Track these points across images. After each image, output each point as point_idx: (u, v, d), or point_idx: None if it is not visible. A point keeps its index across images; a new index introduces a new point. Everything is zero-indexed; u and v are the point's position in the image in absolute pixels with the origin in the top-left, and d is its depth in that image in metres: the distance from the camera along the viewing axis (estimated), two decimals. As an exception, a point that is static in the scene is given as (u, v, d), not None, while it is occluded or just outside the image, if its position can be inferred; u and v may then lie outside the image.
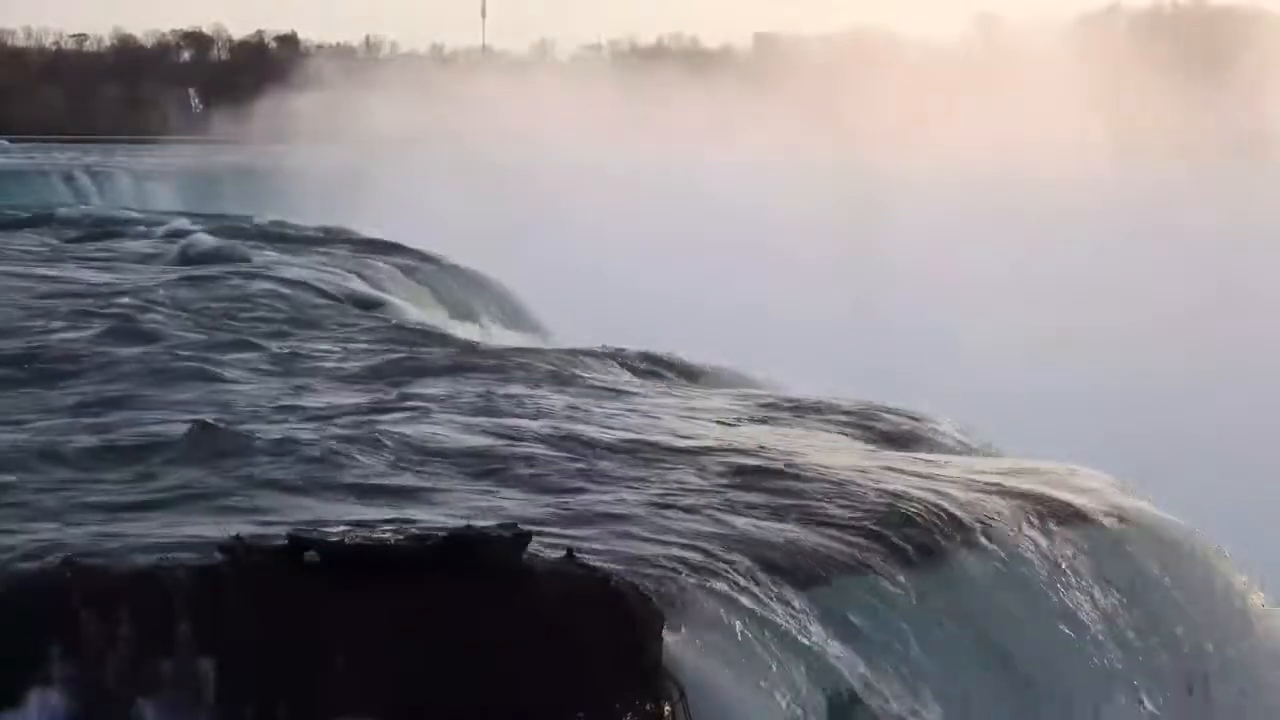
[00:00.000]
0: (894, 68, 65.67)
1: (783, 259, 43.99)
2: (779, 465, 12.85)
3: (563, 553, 9.43)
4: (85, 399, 14.64)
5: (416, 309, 24.91)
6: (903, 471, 12.88)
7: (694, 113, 62.93)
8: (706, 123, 61.48)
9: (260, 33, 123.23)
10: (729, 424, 14.77)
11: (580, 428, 13.94)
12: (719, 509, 11.44)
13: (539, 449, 13.01)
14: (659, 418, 14.76)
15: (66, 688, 8.48)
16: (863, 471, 12.77)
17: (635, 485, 12.06)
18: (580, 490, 11.84)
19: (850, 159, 54.88)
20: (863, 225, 48.17)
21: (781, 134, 58.41)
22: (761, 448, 13.54)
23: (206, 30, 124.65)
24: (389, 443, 12.86)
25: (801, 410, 15.69)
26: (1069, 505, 12.47)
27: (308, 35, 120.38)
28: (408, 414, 14.13)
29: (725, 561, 10.36)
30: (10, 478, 11.59)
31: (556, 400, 15.22)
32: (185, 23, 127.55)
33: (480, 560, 9.09)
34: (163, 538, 9.97)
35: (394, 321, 21.62)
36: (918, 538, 11.33)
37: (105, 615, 8.68)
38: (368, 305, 23.17)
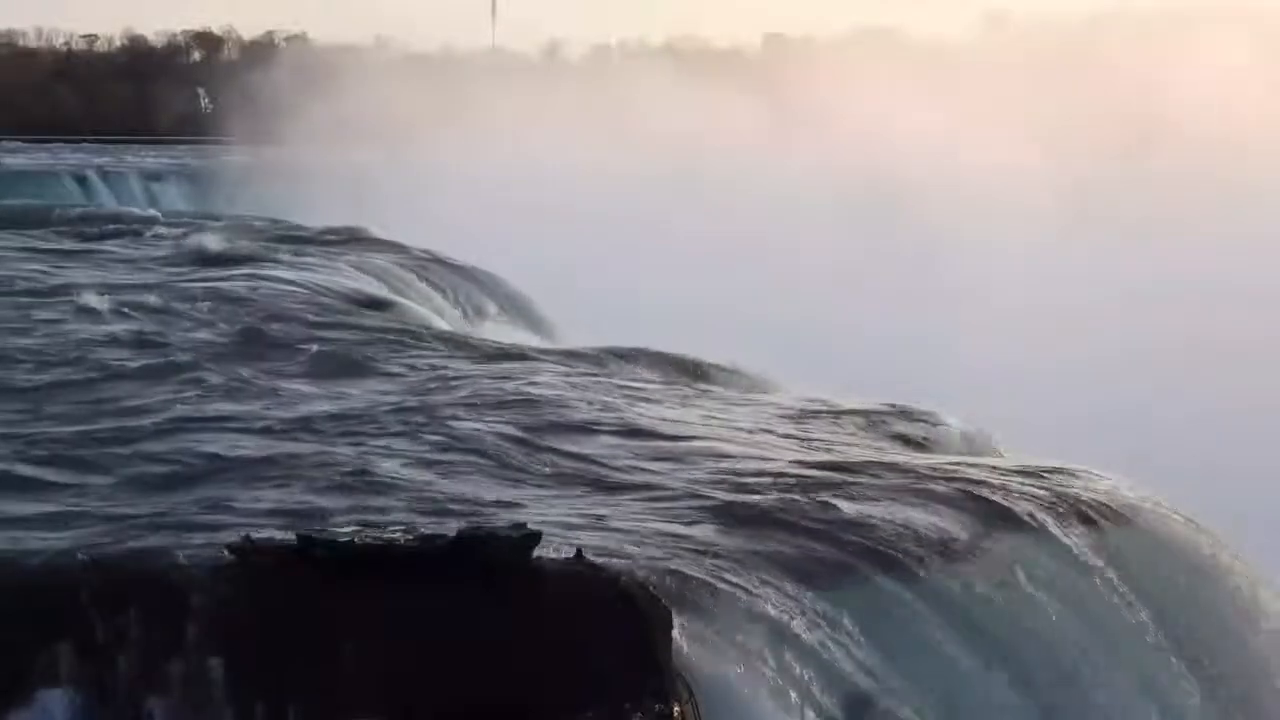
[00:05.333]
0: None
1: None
2: (789, 466, 12.86)
3: (572, 553, 9.44)
4: (95, 400, 14.65)
5: (426, 310, 24.90)
6: (914, 471, 12.87)
7: None
8: None
9: (270, 33, 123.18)
10: (738, 424, 14.77)
11: (589, 428, 13.95)
12: (729, 510, 11.44)
13: (547, 448, 13.02)
14: (667, 418, 14.76)
15: (77, 686, 8.50)
16: (874, 472, 12.76)
17: (645, 485, 12.07)
18: (589, 490, 11.86)
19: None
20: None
21: None
22: (772, 448, 13.55)
23: (216, 31, 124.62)
24: (397, 443, 12.88)
25: (811, 410, 15.69)
26: (1082, 505, 12.47)
27: (317, 35, 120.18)
28: (416, 414, 14.14)
29: (735, 562, 10.36)
30: (21, 478, 11.62)
31: (565, 400, 15.23)
32: (195, 23, 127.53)
33: (489, 560, 9.09)
34: (172, 538, 9.99)
35: (403, 322, 21.62)
36: (931, 540, 11.33)
37: (115, 615, 8.71)
38: (378, 306, 23.16)
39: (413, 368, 17.03)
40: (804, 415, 15.40)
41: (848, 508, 11.64)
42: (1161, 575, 12.16)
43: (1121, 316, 38.17)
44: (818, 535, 11.03)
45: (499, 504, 11.30)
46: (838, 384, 17.30)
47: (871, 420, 15.19)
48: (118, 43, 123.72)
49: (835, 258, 43.65)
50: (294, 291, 23.26)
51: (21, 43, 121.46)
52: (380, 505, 11.05)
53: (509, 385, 15.83)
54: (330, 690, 8.63)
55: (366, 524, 9.96)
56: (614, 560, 9.73)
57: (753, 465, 12.88)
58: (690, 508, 11.45)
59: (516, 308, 28.57)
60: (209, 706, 8.54)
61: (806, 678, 9.57)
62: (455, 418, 13.97)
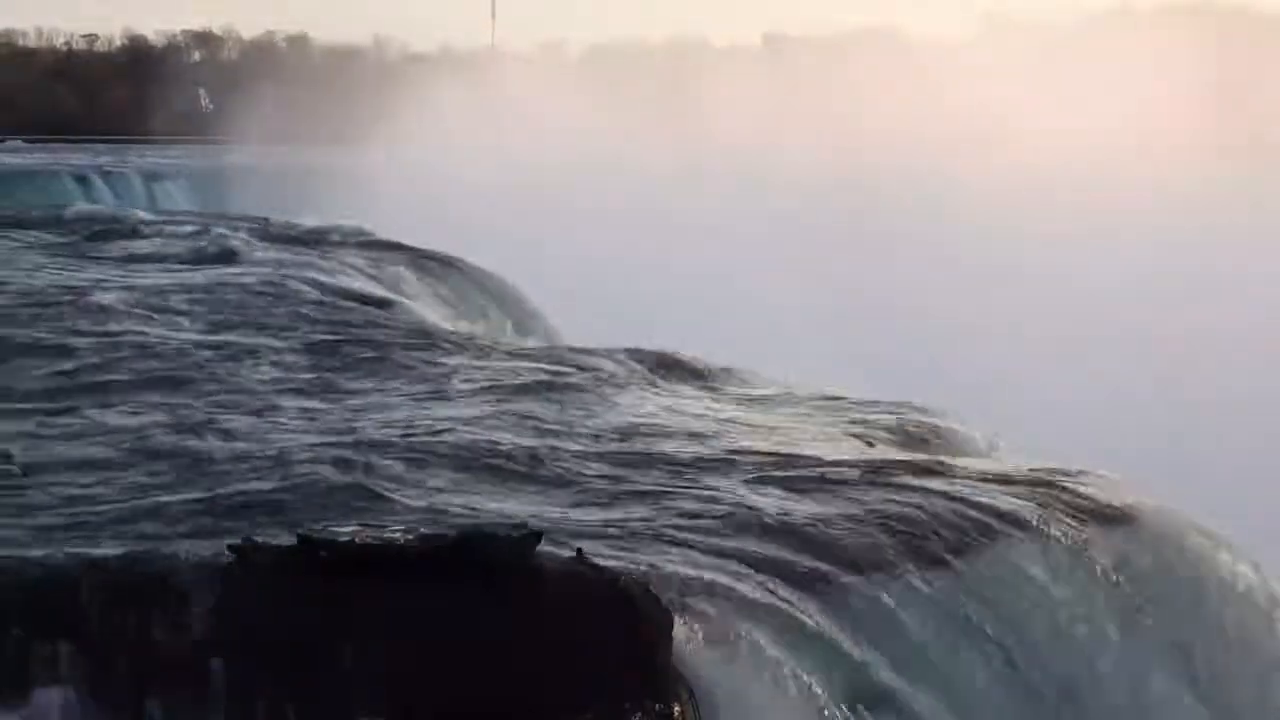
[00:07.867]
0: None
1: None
2: (791, 466, 12.85)
3: (572, 553, 9.44)
4: (97, 399, 14.65)
5: (426, 309, 24.90)
6: (918, 472, 12.85)
7: None
8: None
9: (270, 33, 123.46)
10: (741, 424, 14.76)
11: (590, 428, 13.95)
12: (729, 509, 11.44)
13: (548, 449, 13.01)
14: (669, 418, 14.76)
15: (76, 685, 8.49)
16: (877, 472, 12.75)
17: (644, 486, 12.06)
18: (589, 490, 11.85)
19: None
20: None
21: None
22: (774, 448, 13.53)
23: (216, 31, 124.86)
24: (398, 443, 12.87)
25: (814, 410, 15.68)
26: (1086, 505, 12.45)
27: (317, 35, 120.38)
28: (415, 414, 14.14)
29: (736, 561, 10.36)
30: (22, 477, 11.61)
31: (566, 401, 15.23)
32: (195, 23, 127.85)
33: (490, 560, 9.09)
34: (173, 537, 9.99)
35: (403, 321, 21.62)
36: (932, 538, 11.32)
37: (115, 614, 8.70)
38: (377, 305, 23.15)
39: (412, 366, 17.02)
40: (810, 415, 15.40)
41: (851, 508, 11.63)
42: (1167, 578, 12.14)
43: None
44: (820, 535, 11.03)
45: (499, 504, 11.30)
46: (856, 386, 17.29)
47: (879, 421, 15.19)
48: (117, 42, 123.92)
49: (846, 254, 43.64)
50: (293, 290, 23.25)
51: (21, 43, 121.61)
52: (381, 505, 11.04)
53: (508, 384, 15.83)
54: (330, 690, 8.63)
55: (366, 524, 9.95)
56: (614, 560, 9.73)
57: (755, 465, 12.86)
58: (691, 507, 11.44)
59: (516, 306, 28.58)
60: (209, 706, 8.53)
61: (807, 678, 9.56)
62: (456, 417, 13.97)
